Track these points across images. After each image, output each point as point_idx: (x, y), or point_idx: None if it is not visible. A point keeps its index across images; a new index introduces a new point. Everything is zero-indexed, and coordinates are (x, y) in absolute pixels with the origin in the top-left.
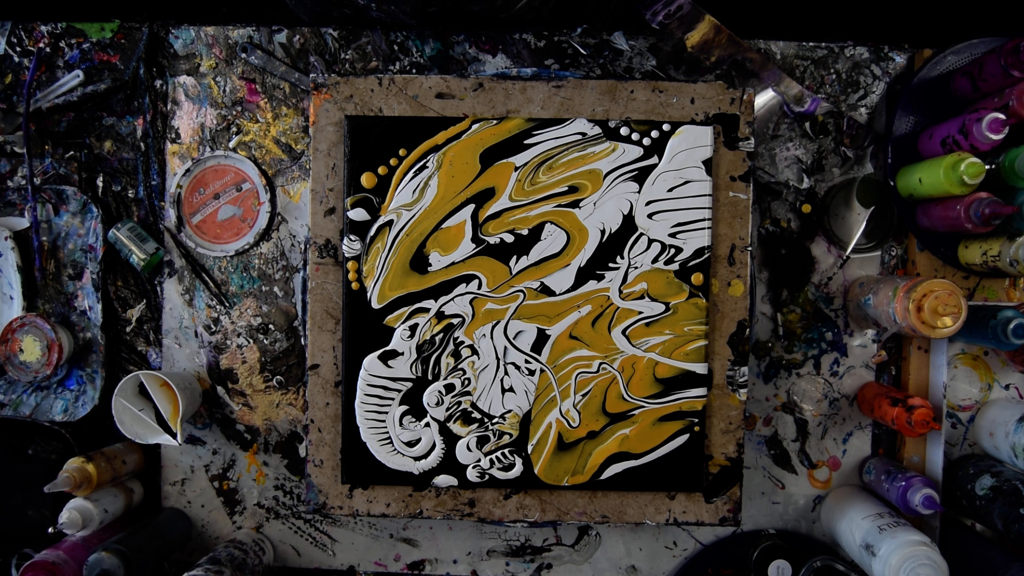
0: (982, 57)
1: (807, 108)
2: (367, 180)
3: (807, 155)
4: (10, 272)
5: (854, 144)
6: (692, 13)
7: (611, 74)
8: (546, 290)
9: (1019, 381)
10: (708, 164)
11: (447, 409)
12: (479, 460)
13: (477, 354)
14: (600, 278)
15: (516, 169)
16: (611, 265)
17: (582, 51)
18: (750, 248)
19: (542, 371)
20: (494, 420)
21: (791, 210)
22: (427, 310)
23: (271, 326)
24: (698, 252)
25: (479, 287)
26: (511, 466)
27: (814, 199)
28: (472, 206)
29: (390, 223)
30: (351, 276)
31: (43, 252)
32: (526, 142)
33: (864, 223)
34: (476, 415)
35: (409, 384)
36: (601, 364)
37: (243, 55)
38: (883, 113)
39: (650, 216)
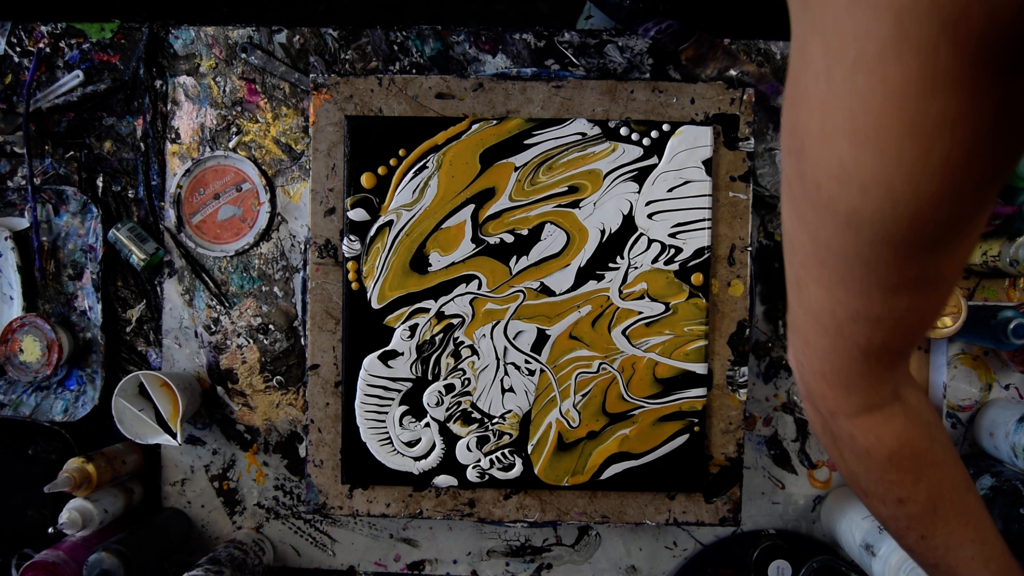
0: None
1: None
2: (367, 180)
3: None
4: (10, 272)
5: None
6: (683, 30)
7: (611, 74)
8: (546, 290)
9: (1019, 381)
10: (708, 164)
11: (447, 409)
12: (479, 460)
13: (477, 354)
14: (600, 278)
15: (516, 169)
16: (611, 265)
17: (574, 60)
18: (750, 248)
19: (542, 371)
20: (494, 420)
21: None
22: (427, 310)
23: (271, 326)
24: (698, 252)
25: (479, 287)
26: (511, 466)
27: None
28: (472, 206)
29: (390, 223)
30: (351, 276)
31: (43, 252)
32: (526, 142)
33: None
34: (476, 415)
35: (409, 384)
36: (601, 364)
37: (243, 55)
38: None
39: (650, 216)
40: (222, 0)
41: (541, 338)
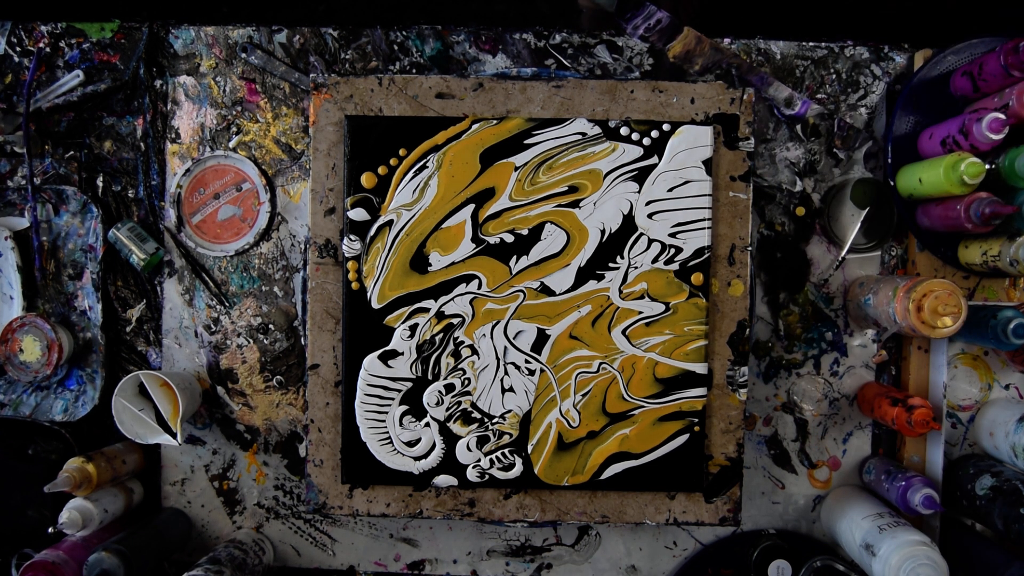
0: (982, 57)
1: (797, 111)
2: (367, 180)
3: (799, 158)
4: (10, 272)
5: (845, 145)
6: (672, 25)
7: (611, 74)
8: (546, 290)
9: (1019, 381)
10: (708, 164)
11: (447, 409)
12: (479, 460)
13: (477, 354)
14: (600, 278)
15: (516, 169)
16: (611, 265)
17: (566, 63)
18: (750, 248)
19: (542, 371)
20: (494, 420)
21: (784, 213)
22: (427, 310)
23: (271, 326)
24: (698, 252)
25: (479, 287)
26: (511, 466)
27: (807, 202)
28: (472, 206)
29: (390, 223)
30: (351, 276)
31: (43, 252)
32: (526, 142)
33: (859, 224)
34: (476, 415)
35: (409, 384)
36: (601, 364)
37: (243, 55)
38: (883, 113)
39: (650, 216)
40: (222, 0)
41: (541, 338)
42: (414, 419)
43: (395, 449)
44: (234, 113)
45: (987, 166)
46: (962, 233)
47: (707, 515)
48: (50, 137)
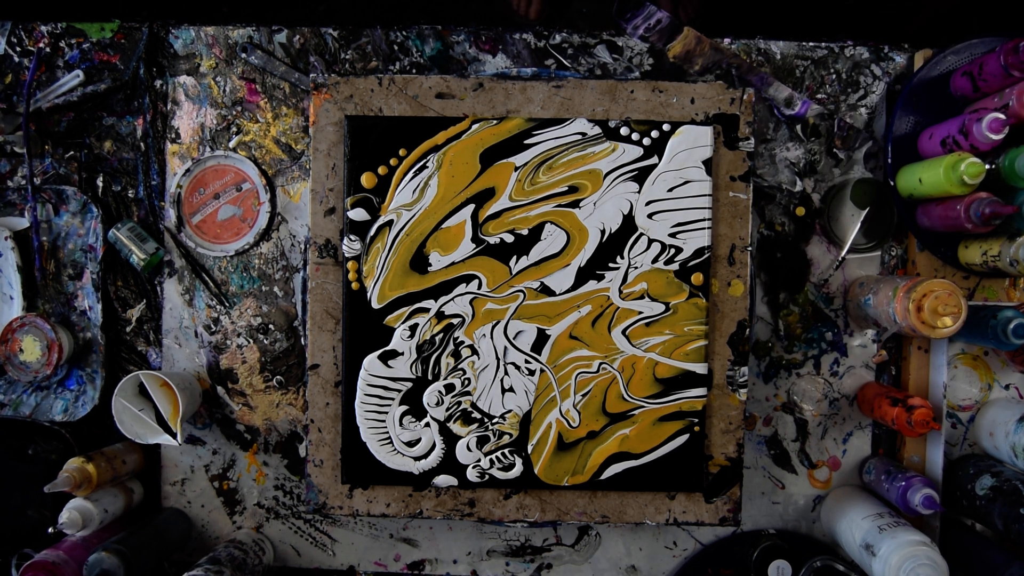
0: (982, 57)
1: (797, 111)
2: (367, 180)
3: (799, 158)
4: (10, 272)
5: (845, 145)
6: (672, 25)
7: (611, 74)
8: (546, 290)
9: (1019, 381)
10: (708, 164)
11: (447, 409)
12: (479, 460)
13: (477, 354)
14: (600, 278)
15: (516, 169)
16: (611, 265)
17: (566, 63)
18: (750, 248)
19: (542, 371)
20: (494, 420)
21: (784, 213)
22: (427, 310)
23: (271, 326)
24: (698, 252)
25: (479, 287)
26: (511, 466)
27: (808, 202)
28: (472, 206)
29: (390, 223)
30: (351, 276)
31: (43, 252)
32: (526, 142)
33: (859, 224)
34: (476, 415)
35: (409, 384)
36: (601, 364)
37: (243, 55)
38: (883, 113)
39: (650, 216)
40: (222, 0)
41: (541, 338)
42: (414, 419)
43: (395, 449)
44: (234, 113)
45: (987, 166)
46: (962, 233)
47: (707, 515)
48: (50, 137)
